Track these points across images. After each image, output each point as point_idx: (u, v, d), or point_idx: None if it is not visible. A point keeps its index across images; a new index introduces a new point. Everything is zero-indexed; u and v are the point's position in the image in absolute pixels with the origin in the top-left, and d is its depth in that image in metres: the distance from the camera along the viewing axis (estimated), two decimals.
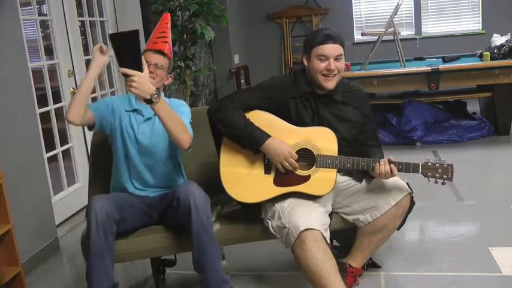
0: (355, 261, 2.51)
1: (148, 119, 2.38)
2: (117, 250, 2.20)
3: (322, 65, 2.32)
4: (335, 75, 2.33)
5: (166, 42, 2.41)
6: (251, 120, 2.30)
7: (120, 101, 2.45)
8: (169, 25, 2.45)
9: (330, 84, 2.34)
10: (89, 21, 4.35)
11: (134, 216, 2.32)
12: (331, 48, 2.31)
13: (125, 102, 2.44)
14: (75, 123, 2.23)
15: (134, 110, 2.40)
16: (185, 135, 2.22)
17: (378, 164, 2.25)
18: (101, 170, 2.58)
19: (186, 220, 2.16)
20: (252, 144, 2.28)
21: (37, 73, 3.64)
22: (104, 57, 2.22)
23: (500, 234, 3.04)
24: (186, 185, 2.26)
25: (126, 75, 2.02)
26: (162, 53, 2.37)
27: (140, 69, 2.03)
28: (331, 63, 2.30)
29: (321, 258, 2.10)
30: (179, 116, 2.26)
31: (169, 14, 2.49)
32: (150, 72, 2.31)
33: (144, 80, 2.04)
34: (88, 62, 4.23)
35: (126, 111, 2.40)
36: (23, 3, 3.43)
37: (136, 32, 2.01)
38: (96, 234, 2.09)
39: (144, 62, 2.08)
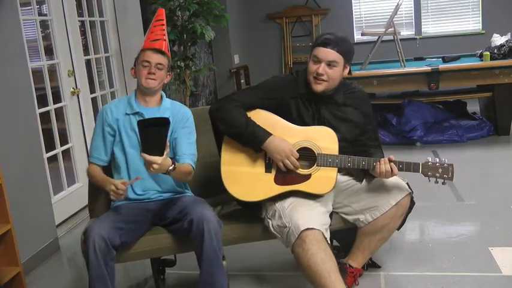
0: (355, 261, 2.51)
1: None
2: (117, 251, 2.19)
3: (314, 67, 2.32)
4: (324, 80, 2.32)
5: (164, 40, 2.39)
6: (252, 119, 2.31)
7: (116, 106, 2.41)
8: (164, 21, 2.43)
9: (318, 87, 2.34)
10: (89, 21, 4.35)
11: (136, 232, 2.27)
12: (325, 53, 2.30)
13: (123, 105, 2.40)
14: None
15: (135, 113, 2.37)
16: (189, 178, 2.35)
17: (378, 162, 2.25)
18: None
19: (197, 244, 2.14)
20: (254, 142, 2.28)
21: (37, 73, 3.64)
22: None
23: (500, 234, 3.04)
24: (199, 207, 2.22)
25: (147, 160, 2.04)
26: (162, 52, 2.35)
27: (162, 153, 2.03)
28: (320, 67, 2.30)
29: (322, 258, 2.10)
30: (185, 136, 2.36)
31: (163, 10, 2.46)
32: (152, 73, 2.30)
33: (163, 163, 2.06)
34: (88, 62, 4.24)
35: (126, 114, 2.37)
36: (23, 3, 3.43)
37: (166, 120, 1.98)
38: (97, 263, 2.06)
39: (167, 145, 2.06)
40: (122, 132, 2.36)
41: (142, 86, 2.35)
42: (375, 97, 5.55)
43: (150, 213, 2.34)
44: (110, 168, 2.46)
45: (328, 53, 2.30)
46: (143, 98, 2.39)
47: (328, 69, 2.31)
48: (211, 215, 2.18)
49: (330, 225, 2.30)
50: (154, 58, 2.32)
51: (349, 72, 2.46)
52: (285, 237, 2.20)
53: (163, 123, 1.97)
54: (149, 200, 2.39)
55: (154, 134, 1.98)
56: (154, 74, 2.31)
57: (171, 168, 2.12)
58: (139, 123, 2.01)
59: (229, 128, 2.32)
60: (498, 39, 5.53)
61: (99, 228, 2.11)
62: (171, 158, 2.16)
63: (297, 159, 2.27)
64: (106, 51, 4.57)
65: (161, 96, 2.45)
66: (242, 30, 7.86)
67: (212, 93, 7.15)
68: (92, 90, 4.29)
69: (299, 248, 2.13)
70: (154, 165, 2.03)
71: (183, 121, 2.41)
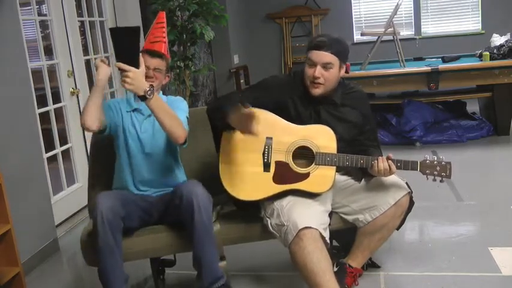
0: (355, 261, 2.51)
1: (149, 116, 2.38)
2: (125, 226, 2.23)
3: (310, 71, 2.33)
4: (321, 83, 2.32)
5: (164, 42, 2.42)
6: None
7: (119, 102, 2.47)
8: (165, 24, 2.45)
9: (316, 91, 2.34)
10: (89, 21, 4.35)
11: (137, 213, 2.33)
12: (319, 55, 2.30)
13: (123, 103, 2.46)
14: (92, 128, 2.22)
15: (134, 110, 2.42)
16: (180, 130, 2.21)
17: (376, 161, 2.25)
18: (101, 170, 2.58)
19: (188, 218, 2.19)
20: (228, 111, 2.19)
21: (37, 73, 3.64)
22: (108, 68, 2.19)
23: (500, 234, 3.04)
24: (189, 184, 2.29)
25: (121, 70, 2.03)
26: (160, 56, 2.38)
27: (137, 66, 2.04)
28: (316, 70, 2.30)
29: (317, 257, 2.11)
30: (176, 111, 2.28)
31: (164, 12, 2.49)
32: (150, 77, 2.32)
33: (138, 77, 2.04)
34: (87, 62, 4.23)
35: (127, 111, 2.42)
36: (22, 3, 3.43)
37: (137, 28, 2.02)
38: (104, 233, 2.11)
39: (141, 59, 2.09)
40: (126, 131, 2.39)
41: None
42: (374, 97, 5.55)
43: (147, 202, 2.40)
44: (109, 169, 2.47)
45: (322, 56, 2.30)
46: None
47: (324, 72, 2.31)
48: (201, 190, 2.23)
49: (330, 224, 2.30)
50: (153, 63, 2.34)
51: (346, 71, 2.45)
52: (283, 236, 2.20)
53: (133, 29, 1.99)
54: (148, 196, 2.43)
55: (126, 40, 2.00)
56: (152, 77, 2.34)
57: (148, 89, 2.06)
58: (111, 29, 2.02)
59: (225, 126, 2.32)
60: (498, 39, 5.53)
61: (106, 199, 2.16)
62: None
63: (295, 158, 2.29)
64: (106, 51, 4.57)
65: None
66: (242, 30, 7.86)
67: (212, 94, 7.15)
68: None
69: (296, 246, 2.14)
70: (129, 74, 2.01)
71: (176, 101, 2.45)
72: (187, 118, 2.37)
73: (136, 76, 2.04)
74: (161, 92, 2.50)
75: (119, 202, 2.20)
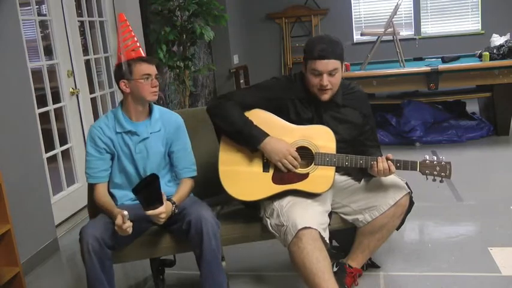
0: (355, 261, 2.52)
1: (145, 138, 2.32)
2: (114, 250, 2.19)
3: (316, 80, 2.31)
4: (329, 89, 2.32)
5: (140, 47, 2.34)
6: (250, 118, 2.31)
7: (105, 124, 2.34)
8: (128, 22, 2.39)
9: (325, 97, 2.34)
10: (88, 21, 4.35)
11: (133, 231, 2.22)
12: (325, 65, 2.28)
13: (111, 122, 2.34)
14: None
15: (127, 132, 2.32)
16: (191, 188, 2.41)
17: (376, 161, 2.25)
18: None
19: (196, 245, 2.16)
20: (250, 142, 2.29)
21: (36, 73, 3.64)
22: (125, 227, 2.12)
23: (500, 234, 3.04)
24: (197, 208, 2.23)
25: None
26: (152, 62, 2.33)
27: (162, 203, 2.12)
28: (323, 79, 2.29)
29: (317, 257, 2.11)
30: (184, 152, 2.39)
31: (123, 13, 2.42)
32: (155, 86, 2.30)
33: (167, 211, 2.16)
34: (87, 62, 4.24)
35: (117, 132, 2.32)
36: (22, 3, 3.43)
37: (154, 175, 2.08)
38: (92, 264, 2.08)
39: (163, 193, 2.14)
40: (119, 152, 2.33)
41: (145, 99, 2.30)
42: (374, 97, 5.55)
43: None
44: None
45: (327, 65, 2.28)
46: (135, 111, 2.33)
47: (331, 78, 2.30)
48: (209, 215, 2.19)
49: (329, 225, 2.30)
50: (153, 70, 2.30)
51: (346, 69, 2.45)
52: (282, 236, 2.20)
53: (152, 180, 2.08)
54: None
55: (149, 193, 2.09)
56: (156, 86, 2.30)
57: (174, 208, 2.20)
58: (133, 191, 2.07)
59: (226, 126, 2.32)
60: (497, 40, 5.53)
61: (92, 229, 2.12)
62: (168, 200, 2.21)
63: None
64: (105, 51, 4.57)
65: (149, 105, 2.40)
66: (242, 30, 7.86)
67: (211, 94, 7.16)
68: (92, 91, 4.29)
69: (295, 246, 2.14)
70: (162, 215, 2.12)
71: (177, 132, 2.41)
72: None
73: (167, 212, 2.15)
74: (154, 105, 2.41)
75: (106, 231, 2.12)
